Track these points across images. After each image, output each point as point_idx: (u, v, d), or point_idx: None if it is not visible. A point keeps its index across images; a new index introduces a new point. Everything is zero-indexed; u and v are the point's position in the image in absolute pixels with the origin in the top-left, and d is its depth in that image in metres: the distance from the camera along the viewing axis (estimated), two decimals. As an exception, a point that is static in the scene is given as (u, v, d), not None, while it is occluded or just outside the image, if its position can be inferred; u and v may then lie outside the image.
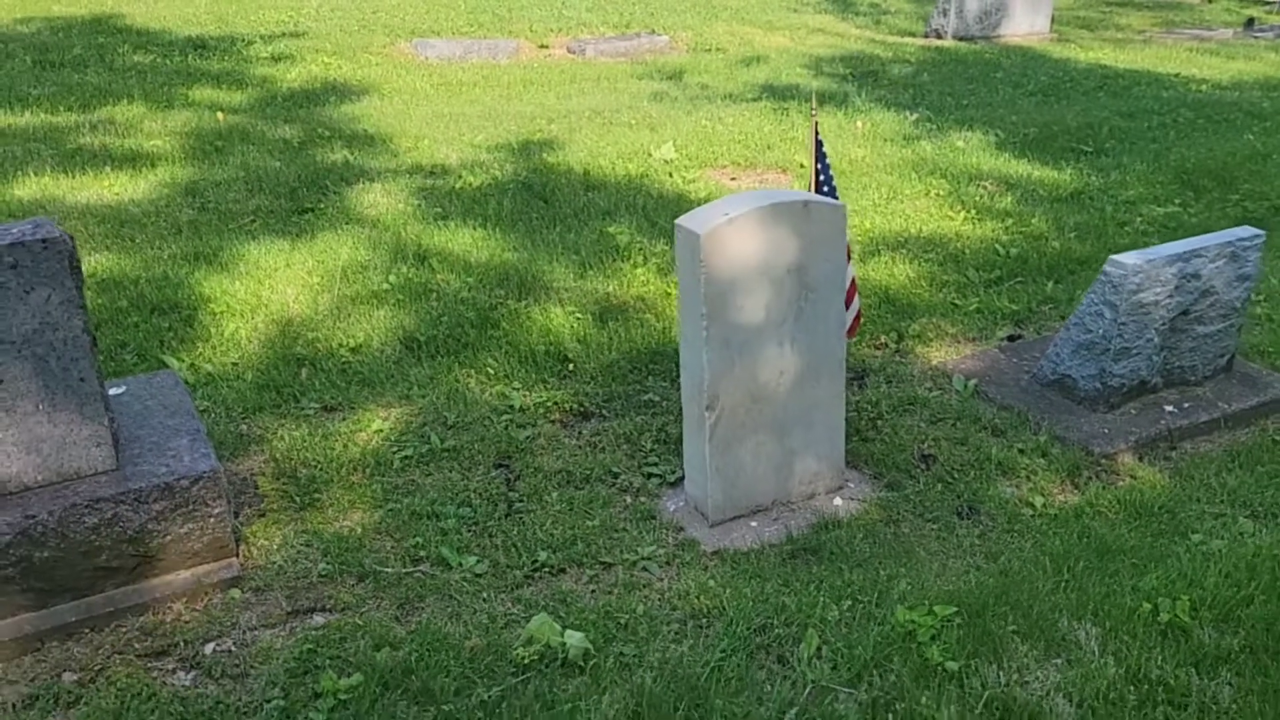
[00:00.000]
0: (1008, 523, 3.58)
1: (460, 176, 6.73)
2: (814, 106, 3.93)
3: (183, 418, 3.12)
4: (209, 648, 2.79)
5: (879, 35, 13.62)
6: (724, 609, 3.08)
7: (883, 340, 4.84)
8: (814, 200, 3.42)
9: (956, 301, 5.20)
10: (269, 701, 2.61)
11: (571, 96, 9.32)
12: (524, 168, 6.93)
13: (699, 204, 6.36)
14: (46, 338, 2.70)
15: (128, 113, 7.87)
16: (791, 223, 3.38)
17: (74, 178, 6.40)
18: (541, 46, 11.58)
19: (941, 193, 6.68)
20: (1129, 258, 3.92)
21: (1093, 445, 3.93)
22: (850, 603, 3.10)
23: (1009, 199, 6.65)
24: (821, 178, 3.97)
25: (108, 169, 6.58)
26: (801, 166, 7.20)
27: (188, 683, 2.69)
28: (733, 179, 7.11)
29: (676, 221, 3.35)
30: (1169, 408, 4.16)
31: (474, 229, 5.80)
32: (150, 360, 4.35)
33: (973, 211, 6.36)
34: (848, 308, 4.09)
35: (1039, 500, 3.68)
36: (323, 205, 6.13)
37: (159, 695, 2.64)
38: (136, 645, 2.81)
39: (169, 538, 2.83)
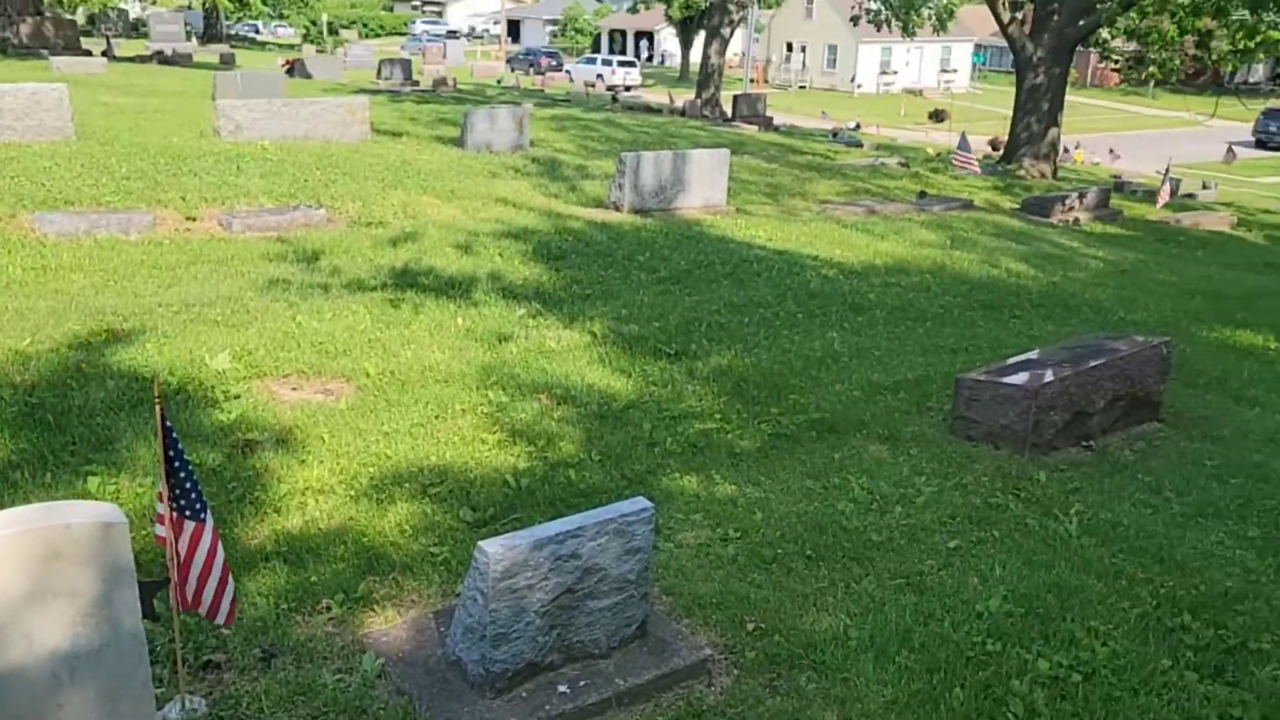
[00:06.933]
0: None
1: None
2: (157, 393, 3.71)
3: None
4: None
5: (563, 206, 13.95)
6: None
7: (326, 604, 4.60)
8: (77, 522, 3.16)
9: (433, 550, 5.05)
10: None
11: (179, 283, 8.94)
12: (52, 379, 6.45)
13: (211, 431, 6.06)
14: None
15: None
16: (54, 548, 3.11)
17: None
18: (189, 219, 11.19)
19: (490, 410, 6.64)
20: (494, 545, 3.84)
21: (458, 742, 3.77)
22: None
23: (558, 414, 6.67)
24: (175, 481, 3.71)
25: None
26: (367, 375, 7.04)
27: None
28: (294, 389, 6.86)
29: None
30: (563, 687, 4.06)
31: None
32: None
33: (508, 433, 6.32)
34: (221, 594, 3.85)
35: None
36: None
37: None
38: None
39: None
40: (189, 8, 60.70)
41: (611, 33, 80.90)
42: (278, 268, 9.63)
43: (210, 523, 3.83)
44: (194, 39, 51.36)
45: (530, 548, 3.87)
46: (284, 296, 8.65)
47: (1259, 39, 20.07)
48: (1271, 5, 19.20)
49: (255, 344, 7.34)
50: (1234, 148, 44.67)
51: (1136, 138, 48.41)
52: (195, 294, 8.57)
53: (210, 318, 7.90)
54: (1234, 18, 19.72)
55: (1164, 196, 21.53)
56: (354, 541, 5.04)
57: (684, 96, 42.44)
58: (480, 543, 3.87)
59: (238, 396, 6.55)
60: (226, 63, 39.11)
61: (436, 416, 6.50)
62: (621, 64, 60.43)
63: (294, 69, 36.33)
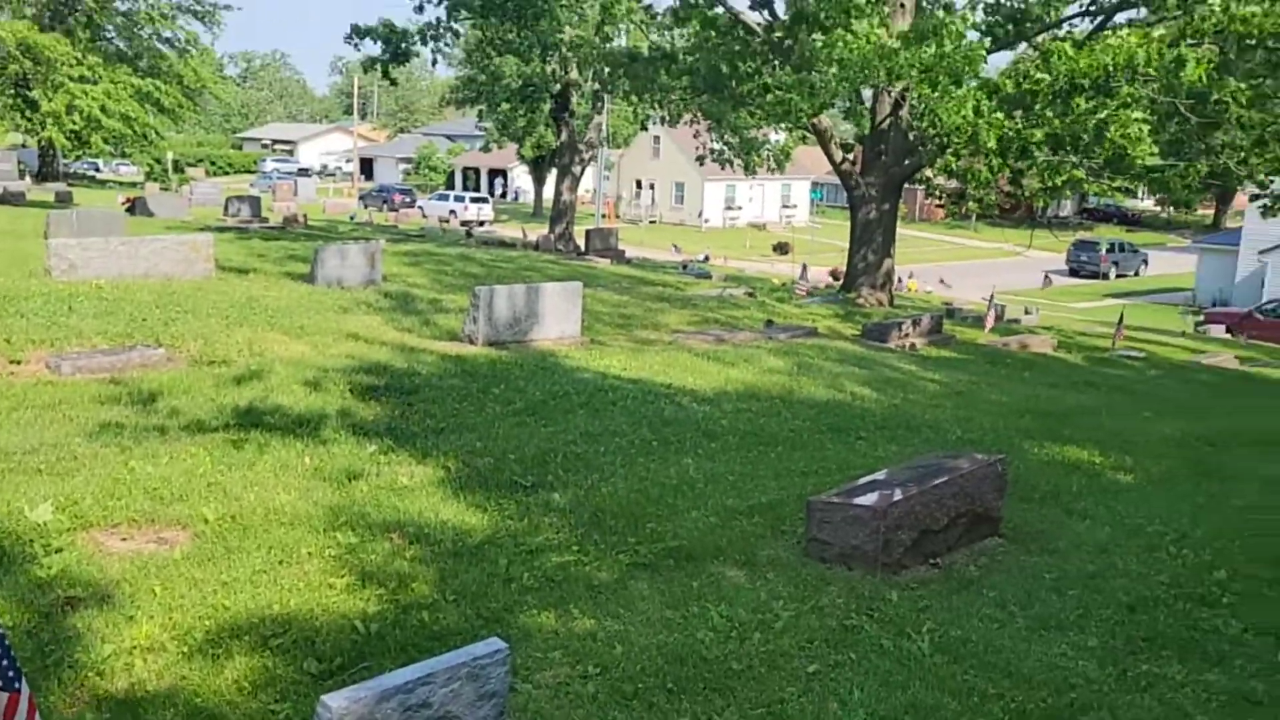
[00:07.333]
0: None
1: None
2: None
3: None
4: None
5: (417, 340, 13.84)
6: None
7: (150, 775, 4.25)
8: None
9: (274, 708, 4.75)
10: None
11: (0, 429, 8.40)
12: None
13: (27, 589, 5.64)
14: None
15: None
16: None
17: None
18: (13, 362, 10.60)
19: (339, 552, 6.38)
20: (337, 698, 3.65)
21: None
22: None
23: (410, 554, 6.46)
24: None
25: None
26: (205, 521, 6.70)
27: None
28: (123, 539, 6.46)
29: None
30: None
31: None
32: None
33: (358, 577, 6.07)
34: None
35: None
36: None
37: None
38: None
39: None
40: (23, 146, 58.84)
41: (465, 170, 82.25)
42: (110, 411, 9.16)
43: (26, 691, 3.54)
44: (28, 177, 49.63)
45: (376, 699, 3.69)
46: (116, 441, 8.21)
47: (1063, 178, 21.86)
48: (1069, 148, 21.01)
49: (82, 493, 6.91)
50: (1050, 275, 48.22)
51: (963, 267, 51.71)
52: (16, 442, 8.05)
53: (32, 466, 7.42)
54: (1039, 159, 21.46)
55: (990, 322, 22.90)
56: (185, 703, 4.70)
57: (538, 231, 43.29)
58: (323, 696, 3.67)
59: (60, 550, 6.12)
60: (63, 201, 37.86)
61: (280, 562, 6.20)
62: (475, 200, 61.39)
63: (135, 207, 35.47)
